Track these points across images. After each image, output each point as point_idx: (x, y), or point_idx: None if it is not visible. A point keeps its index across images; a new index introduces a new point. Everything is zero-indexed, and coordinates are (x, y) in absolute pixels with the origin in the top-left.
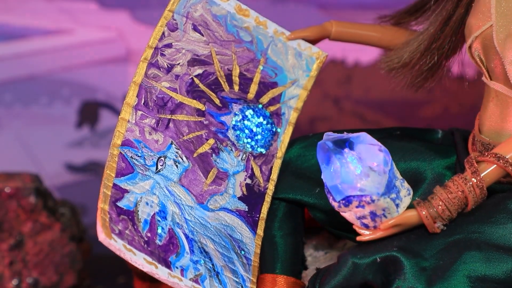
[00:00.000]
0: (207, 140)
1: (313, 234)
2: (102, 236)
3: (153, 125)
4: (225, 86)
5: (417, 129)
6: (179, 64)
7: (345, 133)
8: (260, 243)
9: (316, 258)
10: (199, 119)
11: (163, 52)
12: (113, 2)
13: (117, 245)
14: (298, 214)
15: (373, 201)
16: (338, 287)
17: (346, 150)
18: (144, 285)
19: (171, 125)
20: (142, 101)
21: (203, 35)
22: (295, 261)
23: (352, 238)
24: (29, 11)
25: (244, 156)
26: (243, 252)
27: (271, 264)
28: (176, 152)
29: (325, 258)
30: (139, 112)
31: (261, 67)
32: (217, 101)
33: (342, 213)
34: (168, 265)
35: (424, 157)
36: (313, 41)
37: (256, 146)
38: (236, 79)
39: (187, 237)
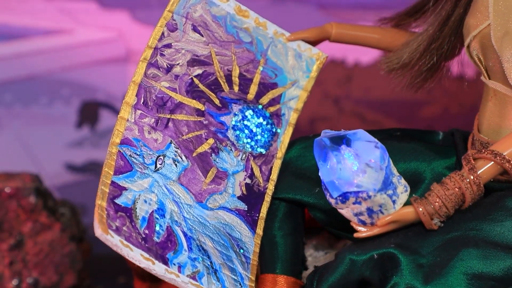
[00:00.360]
0: (207, 139)
1: (313, 234)
2: (98, 232)
3: (152, 124)
4: (225, 87)
5: (417, 130)
6: (178, 64)
7: (342, 130)
8: (259, 242)
9: (316, 258)
10: (199, 119)
11: (163, 52)
12: (113, 2)
13: (114, 241)
14: (298, 214)
15: (369, 197)
16: (336, 284)
17: (343, 146)
18: (144, 285)
19: (170, 124)
20: (142, 101)
21: (202, 36)
22: (295, 261)
23: (352, 238)
24: (29, 11)
25: (244, 156)
26: (242, 251)
27: (271, 264)
28: (175, 151)
29: (325, 258)
30: (138, 111)
31: (261, 68)
32: (216, 101)
33: (339, 210)
34: (165, 261)
35: (423, 158)
36: (313, 43)
37: (256, 146)
38: (235, 79)
39: (185, 235)
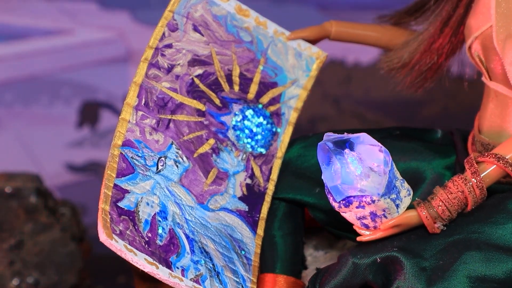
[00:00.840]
0: (207, 140)
1: (313, 234)
2: (103, 237)
3: (153, 125)
4: (225, 86)
5: (416, 129)
6: (179, 64)
7: (345, 133)
8: (260, 243)
9: (316, 258)
10: (200, 119)
11: (164, 53)
12: (113, 2)
13: (118, 246)
14: (298, 214)
15: (373, 201)
16: (338, 287)
17: (347, 150)
18: (144, 285)
19: (171, 125)
20: (143, 102)
21: (203, 35)
22: (295, 261)
23: (352, 238)
24: (29, 11)
25: (244, 156)
26: (243, 252)
27: (271, 263)
28: (177, 152)
29: (325, 258)
30: (140, 113)
31: (261, 67)
32: (217, 101)
33: (342, 214)
34: (169, 265)
35: (423, 157)
36: (313, 41)
37: (256, 146)
38: (236, 79)
39: (187, 237)
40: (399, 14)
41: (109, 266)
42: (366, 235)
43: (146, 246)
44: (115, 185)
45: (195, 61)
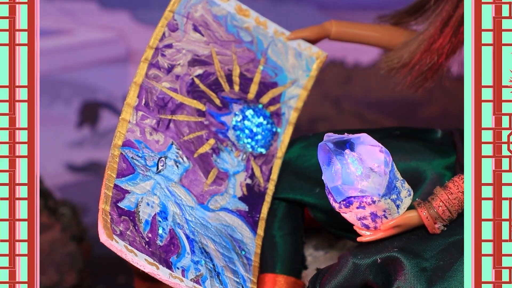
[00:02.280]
0: (208, 140)
1: (313, 234)
2: (103, 238)
3: (153, 125)
4: (226, 86)
5: (416, 129)
6: (179, 64)
7: (345, 134)
8: (260, 243)
9: (316, 258)
10: (200, 120)
11: (164, 53)
12: (113, 2)
13: (119, 246)
14: (298, 214)
15: (373, 202)
16: (339, 287)
17: (347, 151)
18: (144, 284)
19: (171, 125)
20: (143, 102)
21: (203, 35)
22: (295, 260)
23: (352, 238)
24: None
25: (244, 156)
26: (243, 252)
27: (271, 263)
28: (177, 152)
29: (325, 258)
30: (140, 113)
31: (261, 67)
32: (217, 101)
33: (342, 214)
34: (169, 265)
35: (423, 157)
36: (313, 41)
37: (256, 146)
38: (236, 79)
39: (187, 237)
40: (399, 14)
41: (109, 266)
42: (366, 236)
43: (147, 246)
44: (115, 186)
45: (195, 61)
